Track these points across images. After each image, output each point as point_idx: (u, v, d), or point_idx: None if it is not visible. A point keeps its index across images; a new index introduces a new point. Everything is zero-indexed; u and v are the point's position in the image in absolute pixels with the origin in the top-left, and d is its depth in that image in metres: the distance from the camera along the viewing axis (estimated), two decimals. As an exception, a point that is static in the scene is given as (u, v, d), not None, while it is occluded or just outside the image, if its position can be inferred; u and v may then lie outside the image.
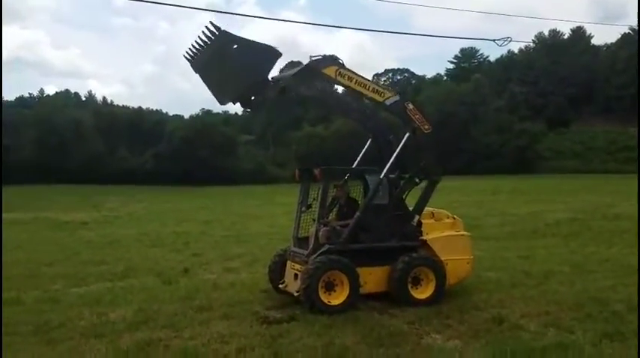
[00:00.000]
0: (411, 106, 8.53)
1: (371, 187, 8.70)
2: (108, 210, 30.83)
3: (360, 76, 8.28)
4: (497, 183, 44.40)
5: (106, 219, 25.64)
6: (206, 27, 7.71)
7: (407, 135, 8.50)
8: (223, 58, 7.82)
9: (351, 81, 8.15)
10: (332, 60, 8.16)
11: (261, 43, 7.95)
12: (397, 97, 8.47)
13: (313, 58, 8.10)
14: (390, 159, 8.45)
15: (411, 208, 8.74)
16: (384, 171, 8.39)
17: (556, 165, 64.88)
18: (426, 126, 8.61)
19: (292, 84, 8.17)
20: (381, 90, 8.42)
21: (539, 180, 48.24)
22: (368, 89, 8.29)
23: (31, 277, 11.24)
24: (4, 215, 26.07)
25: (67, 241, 17.45)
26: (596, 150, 68.98)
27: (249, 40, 7.86)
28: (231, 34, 7.73)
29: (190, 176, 59.16)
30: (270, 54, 7.96)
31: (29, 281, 10.74)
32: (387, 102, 8.38)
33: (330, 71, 8.04)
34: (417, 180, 8.81)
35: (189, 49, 8.11)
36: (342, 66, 8.16)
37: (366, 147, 9.48)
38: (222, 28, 7.64)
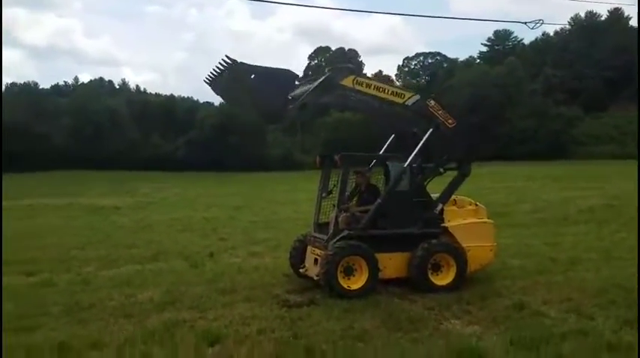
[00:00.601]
0: (432, 103, 8.57)
1: (392, 174, 8.76)
2: (141, 195, 31.58)
3: (377, 80, 8.42)
4: (531, 168, 43.61)
5: (138, 204, 26.29)
6: (223, 59, 7.88)
7: (430, 130, 8.53)
8: (241, 88, 8.03)
9: (369, 87, 8.22)
10: (348, 70, 8.28)
11: (278, 69, 8.09)
12: (418, 96, 8.51)
13: (330, 71, 8.21)
14: (414, 149, 8.51)
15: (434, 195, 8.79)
16: (408, 160, 8.45)
17: (592, 150, 63.16)
18: (450, 121, 8.63)
19: (312, 99, 8.28)
20: (400, 91, 8.46)
21: (574, 166, 47.11)
22: (387, 93, 8.33)
23: (64, 260, 11.70)
24: (43, 200, 27.10)
25: (101, 226, 18.01)
26: (633, 135, 66.64)
27: (266, 68, 7.98)
28: (247, 64, 7.88)
29: (221, 163, 59.96)
30: (287, 78, 8.10)
31: (62, 264, 11.19)
32: (408, 103, 8.41)
33: (348, 81, 8.13)
34: (442, 170, 8.85)
35: (209, 75, 8.32)
36: (359, 74, 8.28)
37: (389, 141, 9.58)
38: (239, 60, 7.81)
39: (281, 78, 8.00)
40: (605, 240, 12.79)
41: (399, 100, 8.36)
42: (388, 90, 8.34)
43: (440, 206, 8.61)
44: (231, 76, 7.95)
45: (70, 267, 10.96)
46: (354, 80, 8.12)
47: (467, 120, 63.07)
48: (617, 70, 73.80)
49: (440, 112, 8.56)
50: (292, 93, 8.21)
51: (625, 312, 6.86)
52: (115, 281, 9.49)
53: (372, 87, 8.22)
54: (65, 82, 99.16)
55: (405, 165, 8.44)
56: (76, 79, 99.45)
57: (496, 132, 62.92)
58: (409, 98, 8.39)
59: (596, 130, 69.33)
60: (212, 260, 11.43)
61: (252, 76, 7.79)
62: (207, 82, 8.44)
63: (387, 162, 9.09)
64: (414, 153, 8.45)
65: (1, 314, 6.19)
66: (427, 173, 8.78)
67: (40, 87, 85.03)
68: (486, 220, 8.93)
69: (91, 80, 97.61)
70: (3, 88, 54.50)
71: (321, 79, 8.10)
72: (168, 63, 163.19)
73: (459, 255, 8.31)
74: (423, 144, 8.51)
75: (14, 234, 14.86)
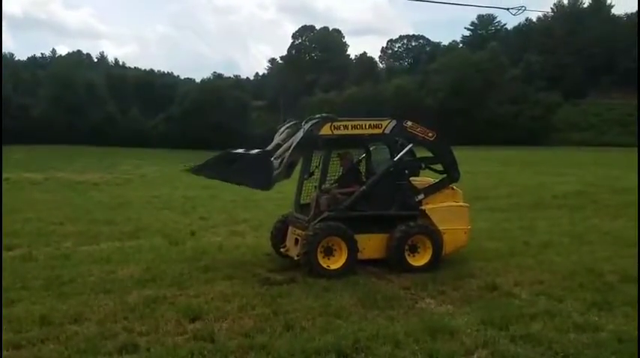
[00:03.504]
0: (409, 123, 8.80)
1: (373, 158, 9.08)
2: (120, 172, 31.36)
3: (352, 119, 8.60)
4: (509, 153, 44.27)
5: (117, 180, 26.13)
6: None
7: (410, 145, 8.82)
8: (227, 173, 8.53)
9: (347, 129, 8.47)
10: (323, 120, 8.44)
11: (256, 155, 8.38)
12: (394, 122, 8.70)
13: (306, 124, 8.46)
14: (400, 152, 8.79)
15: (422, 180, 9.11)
16: (396, 158, 8.69)
17: (570, 136, 64.15)
18: (430, 134, 8.89)
19: (296, 157, 8.57)
20: (377, 122, 8.65)
21: (552, 152, 47.94)
22: (365, 128, 8.59)
23: (44, 235, 11.67)
24: (20, 174, 26.72)
25: (79, 201, 17.91)
26: (611, 123, 67.90)
27: (245, 155, 8.38)
28: (229, 152, 8.61)
29: (201, 140, 59.49)
30: (267, 162, 8.38)
31: (41, 239, 11.16)
32: (387, 131, 8.64)
33: (326, 130, 8.37)
34: (423, 166, 9.14)
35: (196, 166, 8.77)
36: (335, 119, 8.48)
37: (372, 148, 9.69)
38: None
39: (261, 163, 8.32)
40: (578, 225, 13.11)
41: (378, 131, 8.63)
42: (365, 125, 8.60)
43: (422, 195, 8.82)
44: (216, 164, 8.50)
45: (50, 241, 10.94)
46: (331, 127, 8.38)
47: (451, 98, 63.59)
48: (597, 58, 74.66)
49: (418, 130, 8.82)
50: (276, 153, 8.59)
51: (593, 295, 7.09)
52: (95, 257, 9.51)
53: (350, 127, 8.51)
54: (42, 53, 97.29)
55: (395, 159, 8.68)
56: (54, 51, 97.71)
57: (474, 118, 63.72)
58: (386, 126, 8.64)
59: (575, 117, 70.37)
60: (193, 238, 11.49)
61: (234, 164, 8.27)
62: (194, 172, 8.77)
63: (369, 147, 9.24)
64: (401, 154, 8.71)
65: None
66: (409, 163, 8.99)
67: (17, 58, 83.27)
68: (462, 204, 9.13)
69: (69, 52, 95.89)
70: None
71: (299, 138, 8.36)
72: (149, 36, 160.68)
73: (435, 237, 8.51)
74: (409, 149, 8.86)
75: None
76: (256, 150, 8.62)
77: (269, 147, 9.04)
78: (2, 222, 11.33)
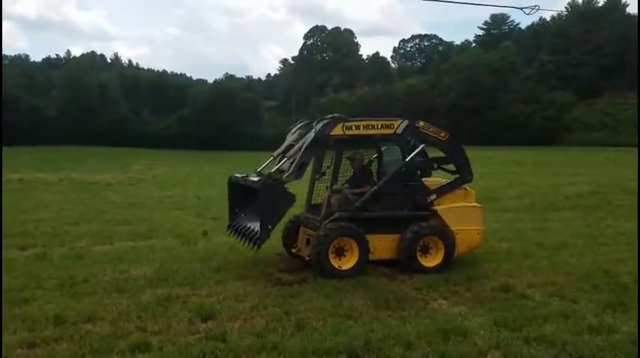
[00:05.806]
0: (421, 123, 8.78)
1: (384, 159, 9.08)
2: (133, 172, 31.52)
3: (365, 119, 8.57)
4: (522, 154, 43.89)
5: (130, 181, 26.27)
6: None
7: (422, 145, 8.77)
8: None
9: (359, 129, 8.45)
10: (334, 120, 8.42)
11: (267, 198, 8.11)
12: (406, 122, 8.67)
13: (318, 126, 8.41)
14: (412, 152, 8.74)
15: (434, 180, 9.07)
16: (408, 158, 8.63)
17: (584, 136, 63.46)
18: (442, 134, 8.87)
19: (307, 157, 8.46)
20: (389, 122, 8.61)
21: (565, 152, 47.46)
22: (377, 128, 8.56)
23: (58, 235, 11.78)
24: (34, 174, 27.01)
25: (92, 201, 18.02)
26: (625, 123, 67.01)
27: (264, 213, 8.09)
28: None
29: (214, 141, 59.79)
30: (279, 194, 8.17)
31: (55, 239, 11.27)
32: (399, 131, 8.61)
33: (338, 130, 8.34)
34: (435, 166, 9.10)
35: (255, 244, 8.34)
36: (346, 119, 8.46)
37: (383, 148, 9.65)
38: None
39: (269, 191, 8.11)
40: (591, 226, 12.99)
41: (390, 131, 8.59)
42: (377, 125, 8.57)
43: (434, 196, 8.77)
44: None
45: (64, 241, 11.04)
46: (343, 127, 8.35)
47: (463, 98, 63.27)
48: (612, 57, 73.77)
49: (431, 130, 8.80)
50: (287, 153, 8.61)
51: (607, 296, 7.04)
52: (108, 257, 9.58)
53: (362, 127, 8.49)
54: (57, 54, 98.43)
55: (407, 160, 8.62)
56: (68, 52, 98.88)
57: (486, 118, 63.37)
58: (398, 126, 8.61)
59: (588, 117, 69.58)
60: (205, 238, 11.54)
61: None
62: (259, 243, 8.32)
63: (381, 146, 9.22)
64: (413, 154, 8.66)
65: (1, 287, 6.26)
66: (421, 163, 8.97)
67: (32, 60, 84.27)
68: (475, 204, 9.08)
69: (83, 54, 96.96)
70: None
71: (311, 139, 8.32)
72: (160, 38, 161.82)
73: (447, 237, 8.47)
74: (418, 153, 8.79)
75: (6, 207, 14.85)
76: (256, 180, 8.51)
77: (276, 152, 9.10)
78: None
